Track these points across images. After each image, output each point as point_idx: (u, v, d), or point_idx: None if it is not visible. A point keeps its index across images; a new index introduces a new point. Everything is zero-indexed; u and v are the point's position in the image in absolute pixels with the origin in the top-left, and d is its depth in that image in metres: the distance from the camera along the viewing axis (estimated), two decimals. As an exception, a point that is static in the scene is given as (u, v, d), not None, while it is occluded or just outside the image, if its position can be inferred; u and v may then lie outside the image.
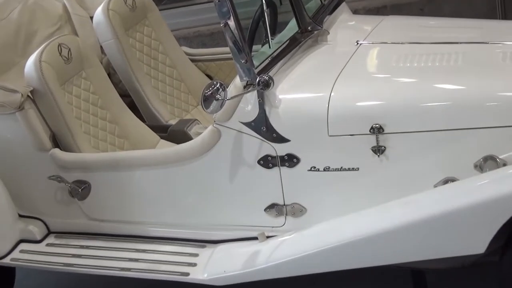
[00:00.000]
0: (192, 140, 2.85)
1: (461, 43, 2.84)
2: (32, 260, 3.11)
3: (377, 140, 2.54)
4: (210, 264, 2.80)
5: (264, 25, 2.89)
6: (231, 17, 2.54)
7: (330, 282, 2.99)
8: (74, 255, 3.07)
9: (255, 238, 2.77)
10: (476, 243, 2.27)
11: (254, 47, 2.87)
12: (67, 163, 3.05)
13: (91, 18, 3.64)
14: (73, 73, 3.20)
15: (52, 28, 3.67)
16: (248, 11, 2.97)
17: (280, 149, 2.66)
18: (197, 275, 2.79)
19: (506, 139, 2.43)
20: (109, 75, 3.55)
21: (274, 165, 2.69)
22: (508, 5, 4.93)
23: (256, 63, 2.64)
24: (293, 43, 2.93)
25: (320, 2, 3.27)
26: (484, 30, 3.04)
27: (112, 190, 3.04)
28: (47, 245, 3.18)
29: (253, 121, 2.66)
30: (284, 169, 2.69)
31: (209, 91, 2.47)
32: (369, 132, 2.53)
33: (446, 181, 2.50)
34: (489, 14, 4.91)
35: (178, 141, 3.15)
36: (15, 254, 3.14)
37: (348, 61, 2.79)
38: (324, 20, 3.13)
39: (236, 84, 2.66)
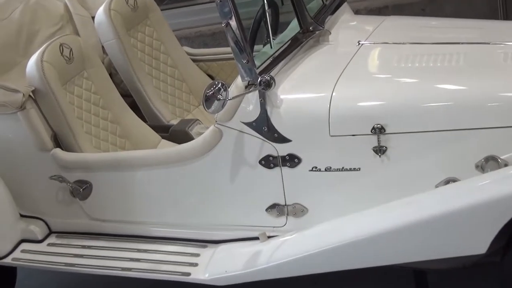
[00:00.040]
0: (194, 140, 2.85)
1: (462, 43, 2.84)
2: (33, 260, 3.11)
3: (378, 140, 2.54)
4: (211, 264, 2.80)
5: (266, 25, 2.90)
6: (233, 17, 2.54)
7: (331, 282, 2.99)
8: (75, 255, 3.07)
9: (257, 238, 2.76)
10: (477, 243, 2.27)
11: (256, 47, 2.87)
12: (68, 163, 3.05)
13: (93, 18, 3.64)
14: (75, 73, 3.20)
15: (54, 28, 3.67)
16: (249, 11, 2.97)
17: (282, 149, 2.66)
18: (198, 275, 2.79)
19: (507, 140, 2.43)
20: (110, 75, 3.54)
21: (275, 165, 2.69)
22: (509, 5, 4.93)
23: (257, 63, 2.64)
24: (295, 43, 2.93)
25: (321, 2, 3.28)
26: (486, 30, 3.04)
27: (114, 190, 3.04)
28: (48, 245, 3.18)
29: (254, 121, 2.66)
30: (286, 169, 2.69)
31: (210, 91, 2.47)
32: (370, 133, 2.53)
33: (447, 182, 2.50)
34: (490, 14, 4.91)
35: (179, 141, 3.15)
36: (16, 254, 3.14)
37: (350, 61, 2.79)
38: (326, 20, 3.13)
39: (238, 84, 2.66)
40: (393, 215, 2.42)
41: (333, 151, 2.61)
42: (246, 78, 2.62)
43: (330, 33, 3.05)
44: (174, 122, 3.52)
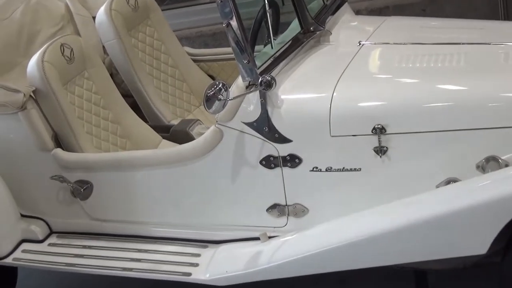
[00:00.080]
0: (194, 140, 2.86)
1: (463, 43, 2.84)
2: (34, 260, 3.11)
3: (379, 141, 2.54)
4: (212, 264, 2.80)
5: (267, 25, 2.90)
6: (234, 17, 2.54)
7: (332, 282, 3.00)
8: (76, 255, 3.07)
9: (257, 239, 2.76)
10: (477, 243, 2.27)
11: (257, 48, 2.87)
12: (69, 163, 3.05)
13: (94, 18, 3.64)
14: (76, 73, 3.20)
15: (55, 28, 3.67)
16: (250, 12, 2.98)
17: (282, 150, 2.66)
18: (199, 275, 2.79)
19: (508, 140, 2.43)
20: (111, 75, 3.55)
21: (276, 166, 2.69)
22: (510, 6, 4.93)
23: (258, 63, 2.64)
24: (296, 44, 2.93)
25: (322, 2, 3.28)
26: (486, 30, 3.04)
27: (114, 190, 3.04)
28: (49, 245, 3.18)
29: (255, 121, 2.66)
30: (286, 170, 2.69)
31: (211, 91, 2.48)
32: (371, 133, 2.53)
33: (448, 182, 2.50)
34: (491, 15, 4.91)
35: (180, 141, 3.15)
36: (17, 254, 3.14)
37: (350, 61, 2.79)
38: (327, 21, 3.14)
39: (238, 84, 2.66)
40: (393, 215, 2.42)
41: (333, 151, 2.61)
42: (247, 78, 2.62)
43: (331, 33, 3.05)
44: (175, 122, 3.52)
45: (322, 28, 3.04)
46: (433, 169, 2.52)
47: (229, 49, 3.02)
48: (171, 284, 2.87)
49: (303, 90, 2.70)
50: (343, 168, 2.62)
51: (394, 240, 2.37)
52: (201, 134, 2.90)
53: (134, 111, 3.42)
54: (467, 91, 2.53)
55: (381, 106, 2.57)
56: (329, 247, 2.46)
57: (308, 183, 2.68)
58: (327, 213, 2.67)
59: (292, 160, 2.66)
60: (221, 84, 2.50)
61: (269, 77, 2.60)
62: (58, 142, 3.10)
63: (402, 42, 2.94)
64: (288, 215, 2.77)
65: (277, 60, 2.77)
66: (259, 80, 2.58)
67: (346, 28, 3.20)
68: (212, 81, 3.22)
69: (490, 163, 2.45)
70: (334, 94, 2.59)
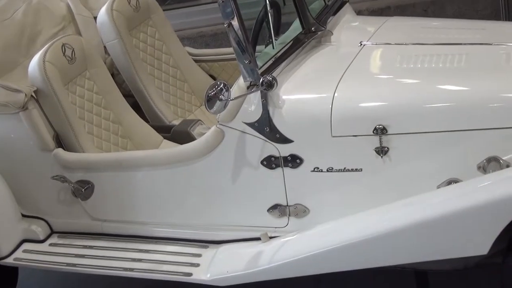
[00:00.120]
0: (196, 141, 2.86)
1: (464, 44, 2.84)
2: (35, 260, 3.11)
3: (380, 141, 2.54)
4: (213, 264, 2.80)
5: (268, 25, 2.90)
6: (235, 18, 2.54)
7: (335, 280, 2.99)
8: (77, 255, 3.07)
9: (258, 239, 2.76)
10: (479, 244, 2.27)
11: (258, 48, 2.87)
12: (70, 163, 3.05)
13: (95, 18, 3.64)
14: (77, 73, 3.20)
15: (56, 28, 3.67)
16: (252, 12, 2.98)
17: (283, 150, 2.66)
18: (200, 275, 2.79)
19: (509, 141, 2.43)
20: (112, 75, 3.55)
21: (277, 166, 2.69)
22: (511, 6, 4.93)
23: (259, 63, 2.64)
24: (297, 44, 2.93)
25: (323, 2, 3.28)
26: (488, 31, 3.04)
27: (115, 190, 3.04)
28: (50, 245, 3.18)
29: (256, 121, 2.66)
30: (287, 170, 2.69)
31: (212, 92, 2.48)
32: (372, 133, 2.53)
33: (449, 182, 2.50)
34: (493, 15, 4.91)
35: (181, 142, 3.15)
36: (18, 253, 3.15)
37: (352, 62, 2.79)
38: (328, 21, 3.14)
39: (240, 84, 2.66)
40: (394, 216, 2.42)
41: (335, 152, 2.61)
42: (248, 79, 2.62)
43: (332, 33, 3.05)
44: (176, 122, 3.52)
45: (323, 29, 3.03)
46: (434, 170, 2.52)
47: (230, 49, 3.03)
48: (171, 284, 2.87)
49: (304, 91, 2.70)
50: (344, 168, 2.62)
51: (395, 241, 2.37)
52: (202, 134, 2.90)
53: (135, 111, 3.42)
54: (468, 91, 2.53)
55: (382, 106, 2.57)
56: (330, 248, 2.46)
57: (309, 183, 2.68)
58: (328, 214, 2.67)
59: (293, 161, 2.66)
60: (222, 84, 2.50)
61: (270, 77, 2.60)
62: (59, 142, 3.10)
63: (403, 42, 2.94)
64: (289, 215, 2.77)
65: (278, 60, 2.77)
66: (260, 81, 2.58)
67: (347, 28, 3.20)
68: (213, 81, 3.22)
69: (491, 164, 2.45)
70: (335, 94, 2.59)
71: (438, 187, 2.51)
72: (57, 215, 3.21)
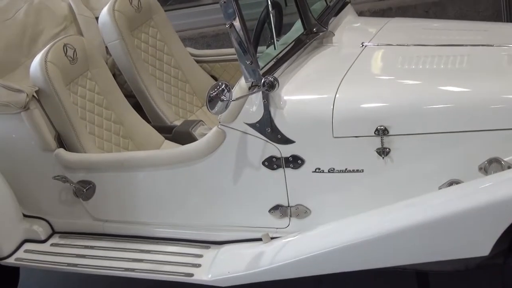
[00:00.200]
0: (197, 141, 2.86)
1: (466, 45, 2.84)
2: (37, 260, 3.11)
3: (381, 142, 2.54)
4: (214, 265, 2.80)
5: (270, 26, 2.90)
6: (237, 18, 2.54)
7: (336, 281, 2.99)
8: (78, 255, 3.07)
9: (260, 240, 2.76)
10: (480, 245, 2.26)
11: (259, 49, 2.87)
12: (71, 163, 3.05)
13: (97, 18, 3.64)
14: (78, 74, 3.20)
15: (58, 29, 3.67)
16: (253, 13, 2.98)
17: (285, 151, 2.66)
18: (201, 276, 2.79)
19: (510, 142, 2.43)
20: (114, 75, 3.55)
21: (278, 166, 2.69)
22: (513, 7, 4.93)
23: (261, 64, 2.64)
24: (298, 45, 2.93)
25: (325, 3, 3.28)
26: (489, 32, 3.04)
27: (117, 190, 3.04)
28: (52, 245, 3.18)
29: (258, 122, 2.66)
30: (289, 171, 2.69)
31: (214, 92, 2.48)
32: (373, 134, 2.53)
33: (450, 183, 2.50)
34: (494, 16, 4.91)
35: (182, 142, 3.15)
36: (20, 254, 3.15)
37: (353, 63, 2.79)
38: (330, 22, 3.14)
39: (241, 85, 2.66)
40: (396, 216, 2.42)
41: (336, 153, 2.61)
42: (249, 79, 2.62)
43: (334, 34, 3.05)
44: (178, 123, 3.52)
45: (325, 29, 3.04)
46: (436, 171, 2.52)
47: (232, 50, 3.02)
48: (173, 285, 2.87)
49: (306, 91, 2.70)
50: (346, 169, 2.62)
51: (397, 242, 2.37)
52: (204, 134, 2.90)
53: (137, 112, 3.42)
54: (470, 92, 2.53)
55: (383, 107, 2.57)
56: (331, 248, 2.46)
57: (310, 184, 2.68)
58: (329, 214, 2.67)
59: (295, 161, 2.66)
60: (224, 85, 2.50)
61: (271, 78, 2.60)
62: (61, 142, 3.10)
63: (404, 43, 2.94)
64: (291, 216, 2.77)
65: (280, 61, 2.77)
66: (262, 81, 2.58)
67: (349, 29, 3.20)
68: (214, 82, 3.22)
69: (493, 165, 2.45)
70: (337, 95, 2.59)
71: (440, 188, 2.51)
72: (59, 215, 3.21)
